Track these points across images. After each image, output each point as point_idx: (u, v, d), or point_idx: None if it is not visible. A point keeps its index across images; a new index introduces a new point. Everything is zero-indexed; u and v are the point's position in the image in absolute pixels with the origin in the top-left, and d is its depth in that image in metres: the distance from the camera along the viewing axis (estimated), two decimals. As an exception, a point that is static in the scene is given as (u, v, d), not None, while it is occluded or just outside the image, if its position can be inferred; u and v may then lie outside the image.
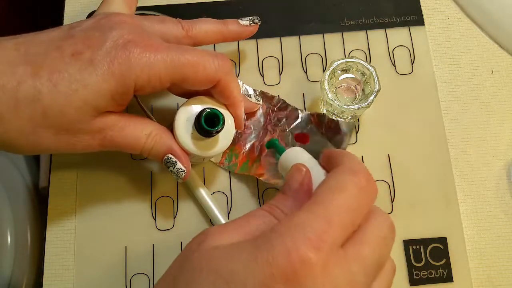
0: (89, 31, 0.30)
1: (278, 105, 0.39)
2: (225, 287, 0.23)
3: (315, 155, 0.37)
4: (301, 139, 0.38)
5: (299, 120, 0.39)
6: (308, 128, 0.38)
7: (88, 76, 0.29)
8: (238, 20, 0.37)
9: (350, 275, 0.24)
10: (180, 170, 0.33)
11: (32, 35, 0.31)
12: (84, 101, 0.29)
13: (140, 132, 0.32)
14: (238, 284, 0.23)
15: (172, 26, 0.35)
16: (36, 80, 0.28)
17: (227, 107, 0.34)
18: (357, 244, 0.25)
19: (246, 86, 0.40)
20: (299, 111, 0.39)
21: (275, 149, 0.37)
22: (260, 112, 0.39)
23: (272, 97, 0.39)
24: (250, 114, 0.39)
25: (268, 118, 0.39)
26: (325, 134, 0.38)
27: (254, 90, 0.40)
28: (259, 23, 0.38)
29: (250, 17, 0.38)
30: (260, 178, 0.37)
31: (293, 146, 0.38)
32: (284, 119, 0.39)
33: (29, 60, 0.29)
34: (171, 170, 0.33)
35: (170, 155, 0.33)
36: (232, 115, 0.34)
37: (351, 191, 0.26)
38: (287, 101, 0.39)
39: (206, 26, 0.36)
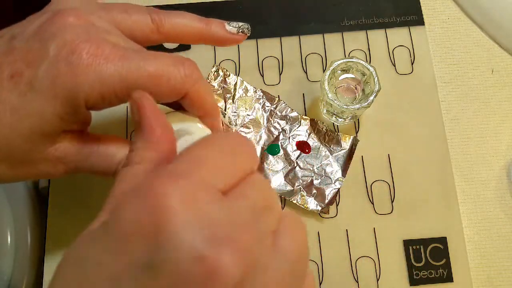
0: (30, 41, 0.26)
1: (279, 107, 0.39)
2: None
3: (317, 168, 0.37)
4: (302, 147, 0.38)
5: (300, 125, 0.39)
6: (309, 136, 0.38)
7: (29, 102, 0.25)
8: (225, 23, 0.32)
9: (230, 212, 0.20)
10: None
11: None
12: (30, 129, 0.25)
13: (111, 160, 0.28)
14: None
15: (139, 18, 0.29)
16: None
17: (201, 119, 0.30)
18: (239, 187, 0.21)
19: (246, 84, 0.40)
20: (300, 116, 0.39)
21: (273, 154, 0.37)
22: (260, 112, 0.39)
23: (273, 98, 0.39)
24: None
25: (269, 120, 0.39)
26: (326, 145, 0.38)
27: (255, 89, 0.40)
28: (248, 34, 0.32)
29: (241, 24, 0.32)
30: None
31: (294, 152, 0.38)
32: (284, 123, 0.39)
33: None
34: None
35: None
36: (209, 127, 0.30)
37: (220, 138, 0.22)
38: (287, 101, 0.39)
39: (183, 22, 0.30)
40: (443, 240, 0.36)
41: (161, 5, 0.43)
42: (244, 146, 0.23)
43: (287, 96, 0.40)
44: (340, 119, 0.38)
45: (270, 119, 0.39)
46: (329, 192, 0.37)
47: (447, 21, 0.42)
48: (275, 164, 0.38)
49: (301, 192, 0.37)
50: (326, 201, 0.36)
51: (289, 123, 0.39)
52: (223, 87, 0.39)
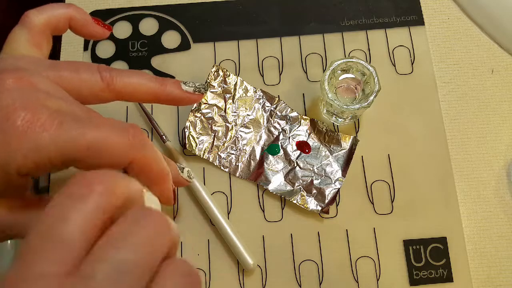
0: None
1: (279, 107, 0.39)
2: None
3: (317, 168, 0.37)
4: (302, 147, 0.38)
5: (300, 125, 0.39)
6: (309, 136, 0.38)
7: None
8: (181, 83, 0.31)
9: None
10: None
11: None
12: None
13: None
14: None
15: (88, 76, 0.28)
16: None
17: (148, 187, 0.26)
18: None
19: (246, 84, 0.40)
20: (300, 116, 0.39)
21: (273, 154, 0.37)
22: (260, 112, 0.39)
23: (273, 98, 0.39)
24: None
25: (269, 120, 0.39)
26: (326, 145, 0.38)
27: (255, 89, 0.40)
28: (205, 93, 0.32)
29: (197, 84, 0.31)
30: (260, 184, 0.37)
31: (294, 152, 0.38)
32: (284, 123, 0.39)
33: None
34: None
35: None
36: (157, 195, 0.26)
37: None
38: (287, 101, 0.39)
39: (136, 81, 0.29)
40: (443, 240, 0.36)
41: (161, 5, 0.43)
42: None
43: (287, 96, 0.40)
44: (340, 119, 0.38)
45: (270, 119, 0.39)
46: (329, 192, 0.37)
47: (447, 21, 0.42)
48: (275, 164, 0.38)
49: (301, 192, 0.37)
50: (326, 201, 0.36)
51: (289, 123, 0.39)
52: (223, 87, 0.39)
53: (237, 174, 0.38)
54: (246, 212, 0.37)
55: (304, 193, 0.37)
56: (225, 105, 0.39)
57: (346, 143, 0.38)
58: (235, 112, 0.39)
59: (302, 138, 0.38)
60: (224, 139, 0.38)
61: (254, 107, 0.39)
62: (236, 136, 0.39)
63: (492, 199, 0.37)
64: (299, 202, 0.36)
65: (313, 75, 0.41)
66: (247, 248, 0.36)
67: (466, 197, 0.37)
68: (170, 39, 0.42)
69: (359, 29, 0.42)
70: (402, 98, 0.40)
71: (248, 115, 0.39)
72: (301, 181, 0.37)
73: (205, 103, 0.39)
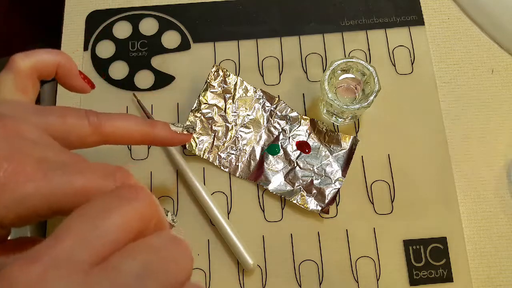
0: None
1: (279, 107, 0.39)
2: None
3: (317, 168, 0.37)
4: (302, 147, 0.38)
5: (300, 125, 0.39)
6: (309, 136, 0.38)
7: None
8: (170, 124, 0.31)
9: None
10: None
11: None
12: None
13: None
14: None
15: (75, 122, 0.28)
16: None
17: None
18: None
19: (246, 84, 0.40)
20: (300, 116, 0.39)
21: (273, 154, 0.37)
22: (260, 112, 0.39)
23: (273, 98, 0.39)
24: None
25: (269, 120, 0.39)
26: (327, 145, 0.38)
27: (255, 89, 0.40)
28: (194, 133, 0.33)
29: (186, 124, 0.32)
30: (260, 184, 0.37)
31: (294, 152, 0.38)
32: (284, 123, 0.39)
33: None
34: None
35: None
36: None
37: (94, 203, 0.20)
38: (287, 101, 0.39)
39: (124, 125, 0.29)
40: (443, 240, 0.36)
41: (161, 5, 0.43)
42: (124, 206, 0.20)
43: (287, 96, 0.40)
44: (340, 119, 0.38)
45: (270, 119, 0.39)
46: (329, 192, 0.37)
47: (447, 21, 0.42)
48: (275, 164, 0.38)
49: (301, 192, 0.37)
50: (326, 201, 0.36)
51: (289, 123, 0.39)
52: (223, 87, 0.39)
53: (237, 174, 0.38)
54: (246, 212, 0.37)
55: (304, 193, 0.37)
56: (225, 105, 0.39)
57: (346, 143, 0.38)
58: (235, 112, 0.39)
59: (302, 138, 0.38)
60: (224, 139, 0.38)
61: (254, 107, 0.39)
62: (236, 136, 0.39)
63: (492, 199, 0.37)
64: (299, 202, 0.36)
65: (313, 75, 0.41)
66: (247, 248, 0.36)
67: (466, 197, 0.37)
68: (170, 39, 0.42)
69: (359, 29, 0.42)
70: (402, 98, 0.40)
71: (248, 115, 0.39)
72: (301, 181, 0.37)
73: (205, 103, 0.39)
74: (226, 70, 0.40)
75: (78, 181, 0.23)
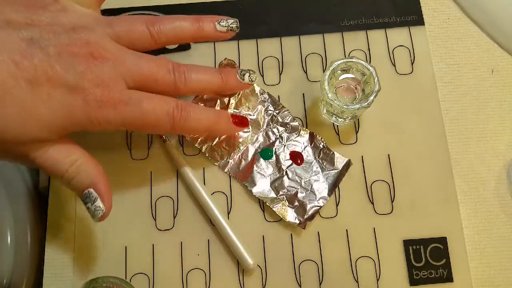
0: (52, 60, 0.29)
1: (282, 114, 0.39)
2: None
3: (304, 181, 0.37)
4: (295, 158, 0.38)
5: (299, 136, 0.38)
6: (305, 149, 0.38)
7: (41, 110, 0.28)
8: (215, 22, 0.36)
9: None
10: (97, 209, 0.30)
11: None
12: (28, 130, 0.29)
13: (64, 158, 0.30)
14: None
15: (140, 32, 0.33)
16: None
17: None
18: None
19: (254, 84, 0.39)
20: (300, 127, 0.38)
21: (265, 159, 0.37)
22: (261, 115, 0.39)
23: (276, 102, 0.39)
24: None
25: (269, 124, 0.39)
26: (320, 161, 0.38)
27: (262, 90, 0.39)
28: (237, 30, 0.36)
29: (231, 21, 0.36)
30: (245, 184, 0.37)
31: (287, 161, 0.38)
32: (283, 130, 0.39)
33: None
34: (88, 207, 0.31)
35: (91, 190, 0.30)
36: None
37: None
38: (287, 101, 0.39)
39: (177, 29, 0.34)
40: (443, 240, 0.36)
41: (162, 5, 0.43)
42: None
43: (287, 96, 0.40)
44: (340, 119, 0.38)
45: (270, 123, 0.39)
46: (310, 208, 0.36)
47: (447, 21, 0.42)
48: (264, 168, 0.38)
49: (283, 201, 0.36)
50: (306, 216, 0.36)
51: (288, 131, 0.38)
52: None
53: (226, 170, 0.38)
54: (246, 212, 0.37)
55: (286, 203, 0.36)
56: (229, 100, 0.39)
57: (340, 164, 0.37)
58: (237, 109, 0.39)
59: (298, 149, 0.38)
60: None
61: (257, 108, 0.39)
62: (233, 133, 0.38)
63: (492, 199, 0.37)
64: (278, 211, 0.36)
65: (313, 75, 0.41)
66: (247, 248, 0.36)
67: (466, 197, 0.37)
68: (170, 39, 0.42)
69: (359, 29, 0.42)
70: (402, 98, 0.40)
71: (249, 114, 0.39)
72: (286, 191, 0.37)
73: (211, 96, 0.39)
74: (235, 63, 0.40)
75: (149, 111, 0.31)
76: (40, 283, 0.36)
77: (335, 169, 0.37)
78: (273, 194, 0.37)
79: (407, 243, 0.36)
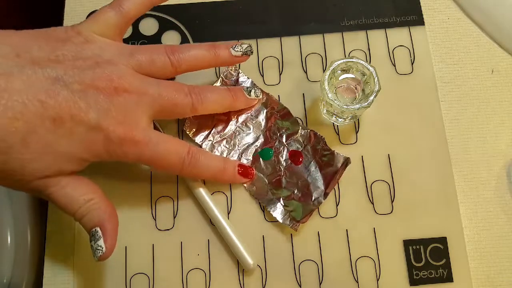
0: (76, 96, 0.30)
1: (282, 113, 0.39)
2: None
3: (301, 182, 0.37)
4: (294, 157, 0.38)
5: (297, 135, 0.38)
6: (304, 148, 0.38)
7: (63, 145, 0.29)
8: (230, 48, 0.36)
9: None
10: (99, 248, 0.31)
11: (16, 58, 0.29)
12: (50, 164, 0.29)
13: (79, 196, 0.31)
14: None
15: (161, 63, 0.34)
16: (10, 136, 0.28)
17: None
18: None
19: (255, 86, 0.40)
20: (300, 126, 0.38)
21: (265, 159, 0.37)
22: (262, 115, 0.39)
23: (277, 102, 0.39)
24: (247, 109, 0.39)
25: (270, 123, 0.39)
26: (318, 161, 0.37)
27: (254, 86, 0.39)
28: (251, 54, 0.37)
29: (245, 46, 0.37)
30: (244, 185, 0.37)
31: (285, 161, 0.38)
32: (283, 130, 0.39)
33: (4, 106, 0.28)
34: (91, 245, 0.31)
35: (97, 229, 0.31)
36: None
37: None
38: (287, 101, 0.39)
39: (196, 58, 0.35)
40: (443, 240, 0.36)
41: (161, 5, 0.42)
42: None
43: (287, 96, 0.40)
44: (340, 119, 0.38)
45: (271, 123, 0.39)
46: (305, 210, 0.36)
47: (447, 21, 0.42)
48: (263, 168, 0.37)
49: (279, 202, 0.36)
50: (300, 218, 0.36)
51: (288, 131, 0.38)
52: (234, 85, 0.39)
53: None
54: (246, 212, 0.37)
55: (282, 205, 0.36)
56: None
57: (338, 162, 0.37)
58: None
59: (297, 148, 0.38)
60: (222, 132, 0.38)
61: (258, 109, 0.39)
62: (234, 132, 0.38)
63: (492, 199, 0.37)
64: (274, 214, 0.36)
65: (313, 75, 0.41)
66: (247, 248, 0.36)
67: (466, 197, 0.37)
68: (170, 39, 0.42)
69: (359, 29, 0.42)
70: (402, 98, 0.40)
71: (251, 115, 0.39)
72: (283, 191, 0.37)
73: None
74: (239, 68, 0.40)
75: (164, 147, 0.33)
76: (40, 283, 0.36)
77: (334, 168, 0.37)
78: (270, 196, 0.37)
79: (407, 243, 0.36)
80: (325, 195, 0.36)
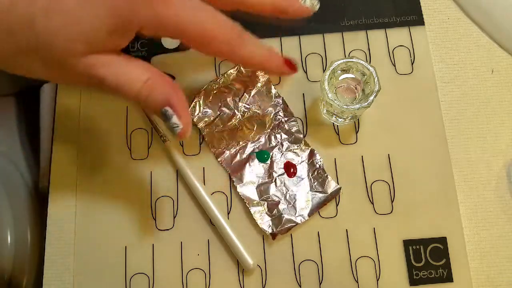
0: None
1: (290, 123, 0.39)
2: None
3: (289, 194, 0.37)
4: (288, 168, 0.38)
5: (298, 149, 0.38)
6: (301, 163, 0.38)
7: (86, 10, 0.27)
8: None
9: None
10: (174, 126, 0.29)
11: None
12: (78, 34, 0.27)
13: (137, 76, 0.29)
14: None
15: None
16: (31, 6, 0.26)
17: None
18: None
19: (272, 86, 0.40)
20: (303, 141, 0.38)
21: (260, 161, 0.37)
22: (269, 117, 0.39)
23: (288, 110, 0.39)
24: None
25: (274, 127, 0.39)
26: (311, 179, 0.37)
27: (277, 93, 0.39)
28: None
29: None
30: (232, 179, 0.37)
31: (280, 169, 0.38)
32: (286, 138, 0.38)
33: None
34: (166, 126, 0.30)
35: (167, 108, 0.29)
36: None
37: None
38: (287, 101, 0.39)
39: None
40: (443, 240, 0.36)
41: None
42: None
43: (287, 96, 0.40)
44: (340, 119, 0.38)
45: (276, 128, 0.39)
46: (286, 221, 0.36)
47: (447, 21, 0.42)
48: (256, 169, 0.37)
49: (263, 207, 0.36)
50: (280, 228, 0.36)
51: (289, 141, 0.38)
52: (249, 76, 0.40)
53: (219, 159, 0.38)
54: (246, 212, 0.37)
55: (265, 210, 0.36)
56: (243, 94, 0.39)
57: (330, 189, 0.37)
58: (248, 105, 0.39)
59: (294, 161, 0.38)
60: (226, 123, 0.38)
61: (268, 110, 0.39)
62: (237, 126, 0.39)
63: (492, 199, 0.37)
64: (254, 214, 0.36)
65: (313, 75, 0.41)
66: (247, 248, 0.36)
67: (466, 197, 0.37)
68: (170, 39, 0.42)
69: (359, 29, 0.42)
70: (402, 98, 0.40)
71: (258, 113, 0.39)
72: (269, 197, 0.37)
73: (226, 80, 0.39)
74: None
75: (207, 23, 0.30)
76: (40, 283, 0.36)
77: (323, 193, 0.37)
78: (256, 197, 0.37)
79: (407, 243, 0.36)
80: (310, 212, 0.36)
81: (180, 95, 0.30)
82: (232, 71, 0.40)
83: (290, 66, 0.35)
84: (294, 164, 0.38)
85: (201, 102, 0.39)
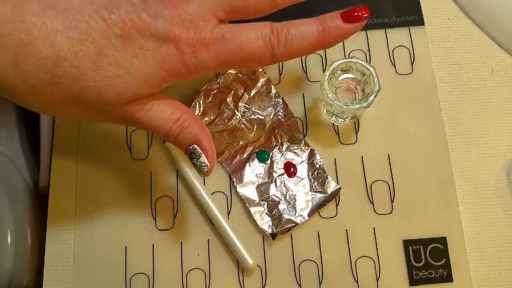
0: (138, 7, 0.28)
1: (289, 123, 0.39)
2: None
3: (289, 195, 0.37)
4: (288, 168, 0.38)
5: (298, 149, 0.38)
6: (301, 163, 0.38)
7: (136, 64, 0.28)
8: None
9: None
10: (203, 165, 0.30)
11: None
12: (127, 87, 0.28)
13: (168, 116, 0.30)
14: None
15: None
16: (80, 60, 0.26)
17: None
18: None
19: (272, 86, 0.39)
20: (303, 141, 0.38)
21: (260, 161, 0.37)
22: (269, 117, 0.39)
23: (287, 107, 0.39)
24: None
25: (274, 127, 0.39)
26: (311, 179, 0.37)
27: (277, 93, 0.39)
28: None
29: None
30: (232, 179, 0.37)
31: (279, 169, 0.38)
32: (287, 138, 0.38)
33: (68, 27, 0.26)
34: (194, 163, 0.31)
35: (195, 146, 0.30)
36: None
37: None
38: (287, 101, 0.39)
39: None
40: (443, 240, 0.36)
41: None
42: None
43: (287, 96, 0.40)
44: (340, 119, 0.38)
45: (276, 128, 0.39)
46: (286, 221, 0.36)
47: (447, 21, 0.42)
48: (256, 169, 0.37)
49: (263, 207, 0.36)
50: (280, 228, 0.36)
51: (290, 141, 0.38)
52: (251, 77, 0.40)
53: (219, 159, 0.38)
54: (246, 212, 0.37)
55: (265, 210, 0.36)
56: (243, 94, 0.39)
57: (329, 189, 0.37)
58: (248, 105, 0.39)
59: (294, 161, 0.38)
60: (226, 123, 0.38)
61: (268, 110, 0.39)
62: (237, 126, 0.39)
63: (492, 199, 0.37)
64: (254, 214, 0.36)
65: (313, 75, 0.41)
66: (247, 248, 0.36)
67: (466, 197, 0.37)
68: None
69: (359, 29, 0.42)
70: (402, 98, 0.40)
71: (258, 113, 0.39)
72: (269, 198, 0.37)
73: (227, 80, 0.39)
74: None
75: (244, 51, 0.29)
76: (40, 283, 0.36)
77: (323, 193, 0.37)
78: (255, 197, 0.37)
79: (407, 243, 0.36)
80: (310, 213, 0.36)
81: (208, 134, 0.31)
82: (232, 71, 0.40)
83: (351, 18, 0.33)
84: (294, 164, 0.38)
85: (201, 102, 0.39)
